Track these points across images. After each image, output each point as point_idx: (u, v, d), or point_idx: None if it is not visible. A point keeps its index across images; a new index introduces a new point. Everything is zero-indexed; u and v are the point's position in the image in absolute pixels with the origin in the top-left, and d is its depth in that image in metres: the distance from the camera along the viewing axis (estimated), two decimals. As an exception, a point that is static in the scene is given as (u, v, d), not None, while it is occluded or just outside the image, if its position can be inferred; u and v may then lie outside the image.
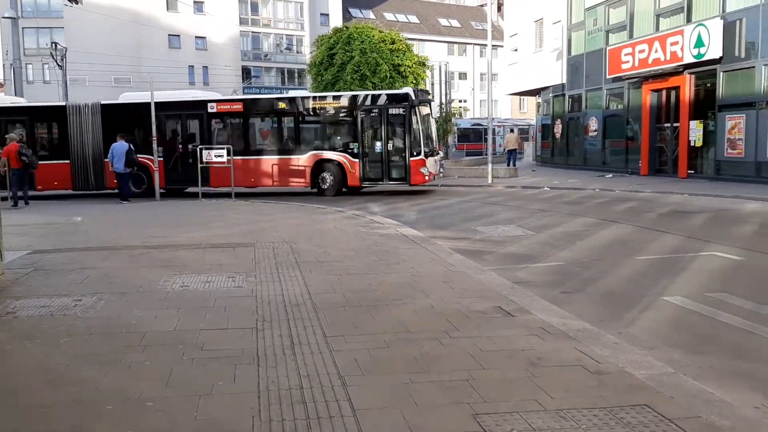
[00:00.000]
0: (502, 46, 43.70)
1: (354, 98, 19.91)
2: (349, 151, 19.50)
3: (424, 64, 28.97)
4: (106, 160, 19.68)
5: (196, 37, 57.43)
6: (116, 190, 19.62)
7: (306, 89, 40.54)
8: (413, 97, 18.93)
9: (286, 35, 63.16)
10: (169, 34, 55.92)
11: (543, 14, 32.09)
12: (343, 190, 19.90)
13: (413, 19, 65.21)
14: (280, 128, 20.60)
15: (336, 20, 56.19)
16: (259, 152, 20.42)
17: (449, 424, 3.63)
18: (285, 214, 14.29)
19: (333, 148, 19.88)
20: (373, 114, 19.46)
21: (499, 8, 55.10)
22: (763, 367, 4.88)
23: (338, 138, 19.98)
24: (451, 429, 3.57)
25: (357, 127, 19.48)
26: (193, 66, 57.21)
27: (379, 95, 19.71)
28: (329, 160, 19.73)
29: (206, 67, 57.70)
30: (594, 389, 4.08)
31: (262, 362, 4.64)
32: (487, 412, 3.74)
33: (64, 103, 22.00)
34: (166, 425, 3.68)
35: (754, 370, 4.80)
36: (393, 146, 19.34)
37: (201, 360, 4.72)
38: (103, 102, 21.08)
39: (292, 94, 24.84)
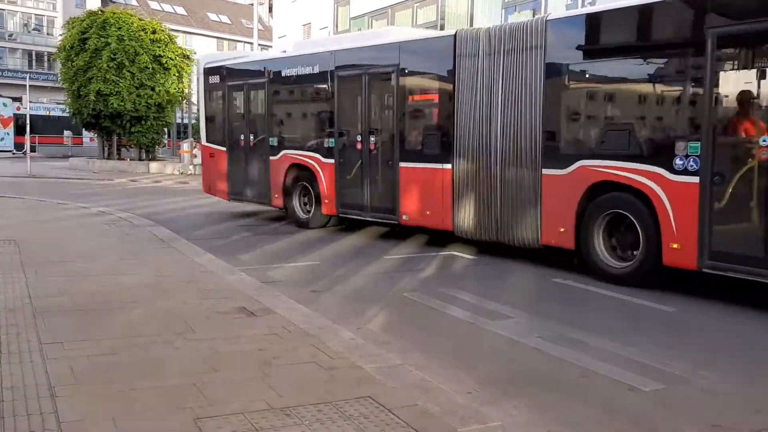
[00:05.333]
0: (271, 47, 43.67)
1: None
2: None
3: (188, 57, 27.88)
4: None
5: None
6: None
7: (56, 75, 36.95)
8: None
9: (36, 14, 57.21)
10: None
11: (311, 19, 32.69)
12: None
13: (180, 10, 62.60)
14: None
15: (94, 3, 52.10)
16: None
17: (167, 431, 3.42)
18: (23, 212, 12.83)
19: None
20: None
21: (271, 9, 55.05)
22: (479, 355, 5.31)
23: None
24: (170, 436, 3.37)
25: None
26: None
27: None
28: None
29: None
30: (324, 384, 4.12)
31: (-43, 377, 4.04)
32: (210, 416, 3.59)
33: None
34: None
35: (472, 358, 5.20)
36: None
37: None
38: None
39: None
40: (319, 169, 11.23)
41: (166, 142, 35.91)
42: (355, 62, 10.81)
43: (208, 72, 13.64)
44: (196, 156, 26.50)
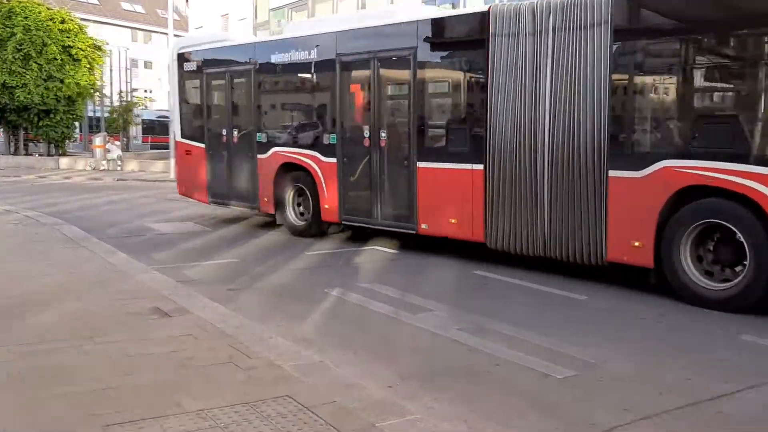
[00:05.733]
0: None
1: None
2: None
3: (99, 48, 26.85)
4: None
5: None
6: None
7: None
8: None
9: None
10: None
11: (229, 10, 32.04)
12: None
13: (92, -1, 60.23)
14: None
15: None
16: None
17: (74, 441, 3.28)
18: None
19: None
20: None
21: (187, -1, 53.63)
22: (400, 350, 5.33)
23: None
24: (77, 446, 3.23)
25: None
26: None
27: None
28: None
29: None
30: (241, 385, 4.04)
31: None
32: (120, 422, 3.46)
33: None
34: None
35: (393, 353, 5.22)
36: None
37: None
38: None
39: None
40: (317, 169, 9.79)
41: (77, 136, 34.53)
42: (364, 45, 9.23)
43: (183, 58, 12.07)
44: (109, 151, 25.60)
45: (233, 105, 11.32)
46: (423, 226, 8.58)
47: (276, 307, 6.40)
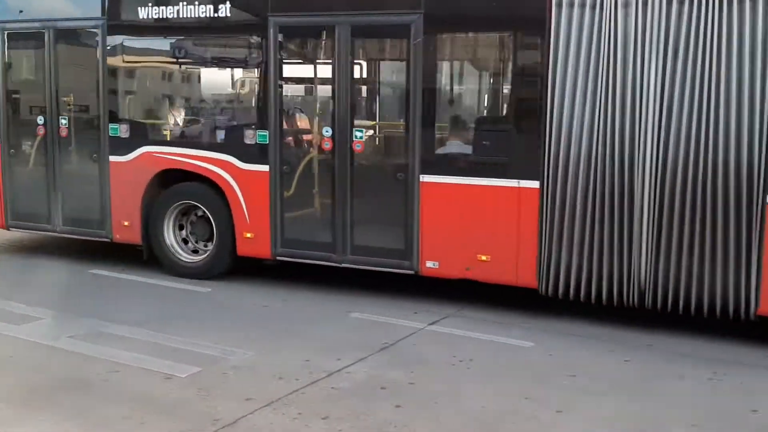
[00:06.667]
0: None
1: None
2: None
3: None
4: None
5: None
6: None
7: None
8: None
9: None
10: None
11: None
12: None
13: None
14: None
15: None
16: None
17: None
18: None
19: None
20: None
21: None
22: (1, 368, 4.63)
23: None
24: None
25: None
26: None
27: None
28: None
29: None
30: None
31: None
32: None
33: None
34: None
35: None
36: None
37: None
38: None
39: None
40: (231, 180, 6.73)
41: None
42: (307, 7, 6.46)
43: None
44: None
45: (57, 79, 7.53)
46: (429, 264, 6.09)
47: None
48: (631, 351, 5.17)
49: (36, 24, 7.49)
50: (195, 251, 7.14)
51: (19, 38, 7.73)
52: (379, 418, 3.98)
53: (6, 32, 7.65)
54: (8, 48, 7.70)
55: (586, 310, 5.78)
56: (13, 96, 7.84)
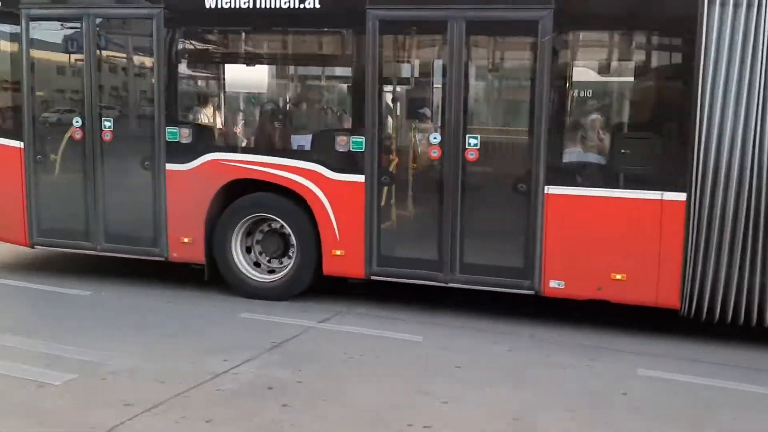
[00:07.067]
0: None
1: None
2: None
3: None
4: None
5: None
6: None
7: None
8: None
9: None
10: None
11: None
12: None
13: None
14: None
15: None
16: None
17: None
18: None
19: None
20: None
21: None
22: None
23: None
24: None
25: None
26: None
27: None
28: None
29: None
30: None
31: None
32: None
33: None
34: None
35: None
36: None
37: None
38: None
39: None
40: (319, 192, 6.04)
41: None
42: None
43: None
44: None
45: (100, 75, 6.61)
46: (553, 284, 5.59)
47: None
48: (514, 341, 5.36)
49: (72, 10, 6.59)
50: (257, 265, 6.37)
51: (48, 26, 6.78)
52: (266, 418, 3.92)
53: (31, 18, 6.57)
54: (34, 37, 6.64)
55: (471, 303, 5.96)
56: (40, 93, 6.86)
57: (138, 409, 3.94)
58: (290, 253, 6.25)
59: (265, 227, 6.34)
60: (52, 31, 6.77)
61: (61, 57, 6.84)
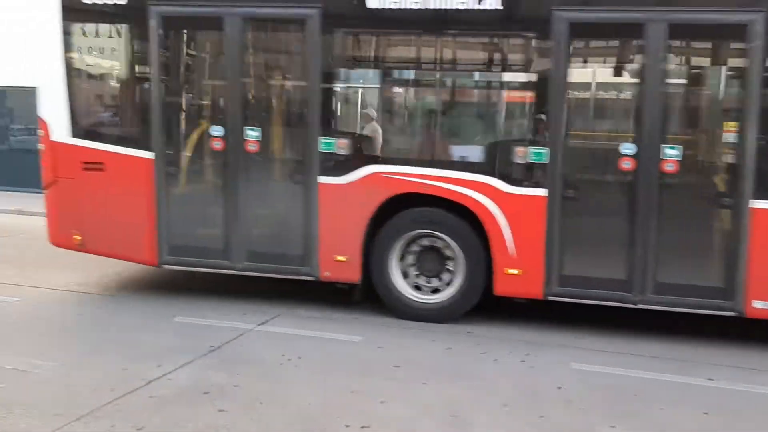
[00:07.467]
0: None
1: None
2: None
3: None
4: None
5: None
6: None
7: None
8: None
9: None
10: None
11: None
12: None
13: None
14: None
15: None
16: None
17: None
18: None
19: None
20: None
21: None
22: None
23: None
24: None
25: None
26: None
27: None
28: None
29: None
30: None
31: None
32: None
33: None
34: None
35: None
36: None
37: None
38: None
39: None
40: (492, 206, 5.59)
41: None
42: (606, 0, 5.43)
43: None
44: None
45: (244, 80, 6.17)
46: (757, 304, 5.20)
47: None
48: (452, 339, 5.41)
49: (212, 9, 5.95)
50: (417, 288, 5.92)
51: (183, 25, 6.29)
52: (200, 423, 3.84)
53: (163, 17, 6.00)
54: (167, 37, 6.12)
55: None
56: (173, 99, 6.31)
57: (66, 418, 3.81)
58: (445, 273, 5.88)
59: (414, 247, 5.91)
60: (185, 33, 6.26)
61: (194, 60, 6.34)
